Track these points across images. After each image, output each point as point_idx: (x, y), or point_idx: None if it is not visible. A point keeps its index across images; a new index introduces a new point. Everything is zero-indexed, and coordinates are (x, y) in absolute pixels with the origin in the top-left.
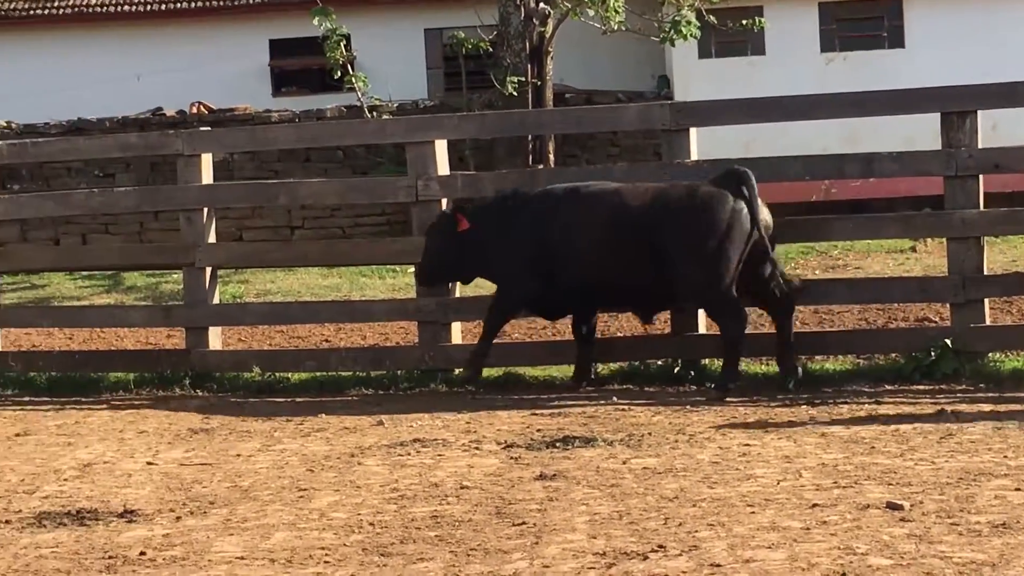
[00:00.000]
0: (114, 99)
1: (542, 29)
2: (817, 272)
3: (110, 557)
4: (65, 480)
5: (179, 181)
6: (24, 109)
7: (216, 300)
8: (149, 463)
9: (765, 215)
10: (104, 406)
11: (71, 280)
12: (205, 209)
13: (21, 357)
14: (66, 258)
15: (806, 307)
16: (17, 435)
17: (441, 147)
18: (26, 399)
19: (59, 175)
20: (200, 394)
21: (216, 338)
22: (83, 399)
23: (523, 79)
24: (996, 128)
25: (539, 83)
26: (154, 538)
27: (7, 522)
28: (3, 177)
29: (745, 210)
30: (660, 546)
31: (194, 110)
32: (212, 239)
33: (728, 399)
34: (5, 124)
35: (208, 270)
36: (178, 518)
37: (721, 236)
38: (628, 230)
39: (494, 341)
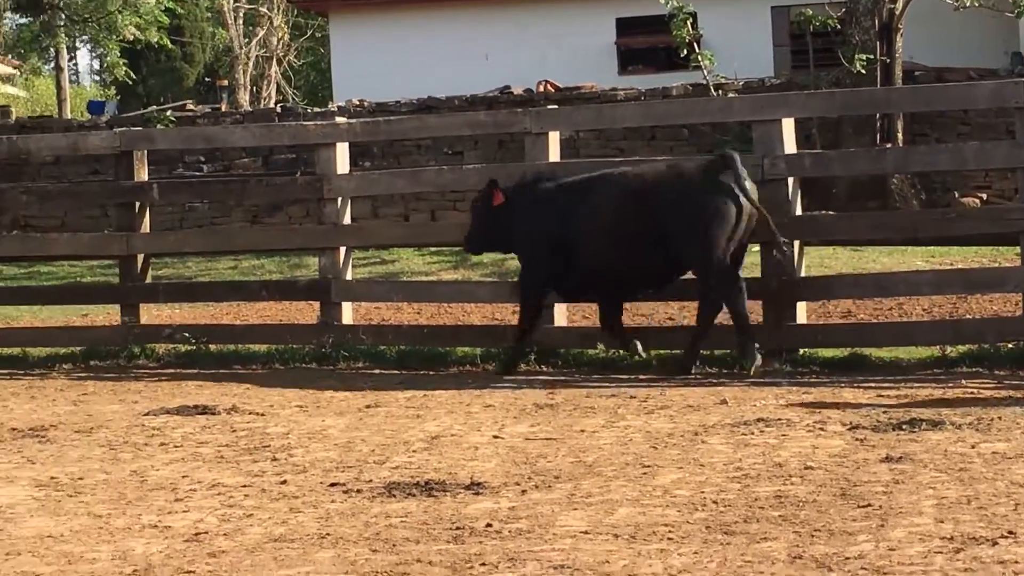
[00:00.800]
0: (463, 78)
1: (892, 6)
2: None
3: (457, 528)
4: (414, 452)
5: (526, 158)
6: (376, 88)
7: None
8: (495, 437)
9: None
10: (451, 380)
11: (419, 256)
12: None
13: (371, 331)
14: (415, 234)
15: None
16: (368, 407)
17: (788, 125)
18: (376, 372)
19: (409, 152)
20: (544, 369)
21: (561, 315)
22: (431, 372)
23: (871, 57)
24: None
25: (888, 61)
26: (500, 510)
27: (358, 491)
28: (355, 155)
29: (733, 191)
30: (1010, 532)
31: (541, 89)
32: None
33: None
34: (358, 103)
35: None
36: (523, 491)
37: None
38: (631, 213)
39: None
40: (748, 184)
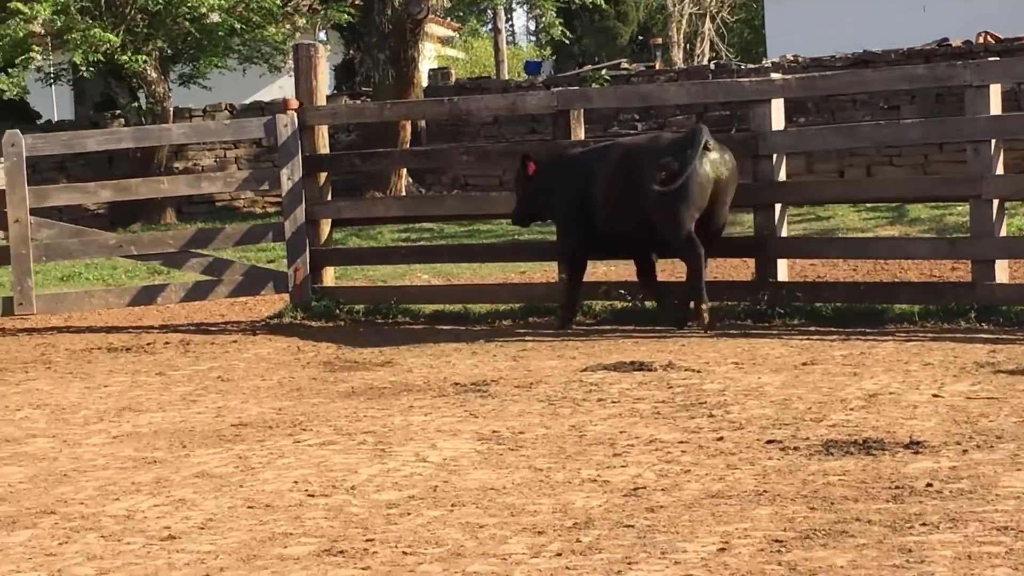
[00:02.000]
0: (899, 31)
1: None
2: None
3: (896, 487)
4: (851, 410)
5: (967, 112)
6: (810, 44)
7: (1003, 233)
8: (934, 395)
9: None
10: (889, 338)
11: (855, 212)
12: (993, 141)
13: (807, 288)
14: (851, 190)
15: None
16: (804, 364)
17: None
18: (811, 329)
19: (843, 108)
20: (986, 328)
21: (1003, 271)
22: (868, 330)
23: None
24: None
25: None
26: (940, 470)
27: (795, 449)
28: (789, 110)
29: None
30: None
31: (980, 40)
32: (1000, 171)
33: None
34: (792, 58)
35: (995, 202)
36: (964, 451)
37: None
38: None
39: None
40: (714, 155)
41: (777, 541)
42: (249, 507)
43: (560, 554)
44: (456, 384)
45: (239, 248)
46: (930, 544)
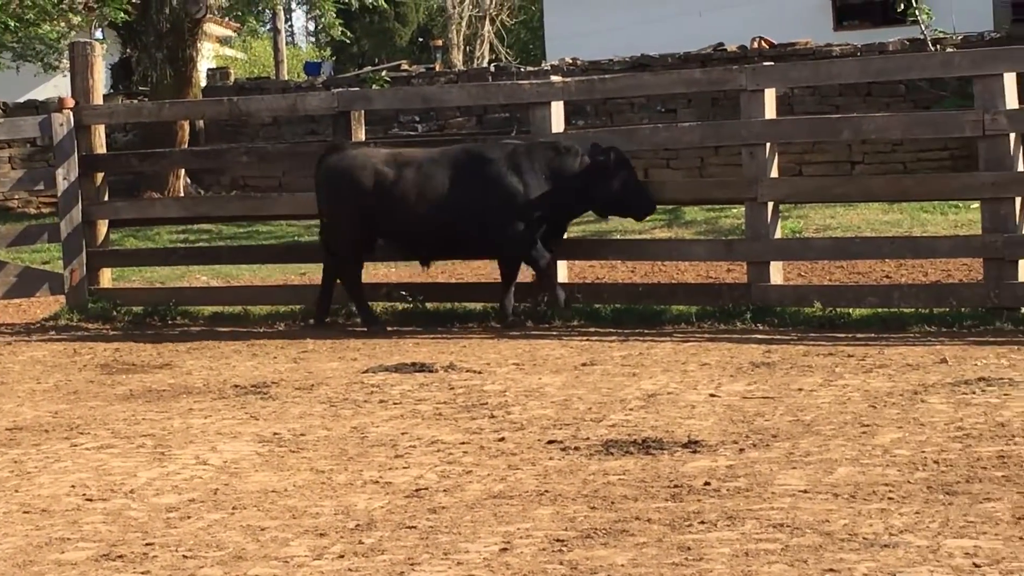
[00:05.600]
0: (677, 35)
1: None
2: None
3: (675, 486)
4: (630, 410)
5: (742, 116)
6: (589, 47)
7: (778, 235)
8: (712, 395)
9: None
10: (667, 338)
11: None
12: (767, 144)
13: (586, 289)
14: None
15: None
16: (584, 365)
17: (1010, 80)
18: (591, 330)
19: (622, 111)
20: (761, 328)
21: (778, 272)
22: (646, 331)
23: None
24: None
25: None
26: (718, 469)
27: (576, 449)
28: (568, 113)
29: None
30: None
31: (755, 45)
32: (774, 174)
33: None
34: (571, 61)
35: (770, 205)
36: (741, 450)
37: None
38: None
39: None
40: None
41: (558, 541)
42: (25, 512)
43: (343, 556)
44: (236, 386)
45: (13, 249)
46: (708, 542)
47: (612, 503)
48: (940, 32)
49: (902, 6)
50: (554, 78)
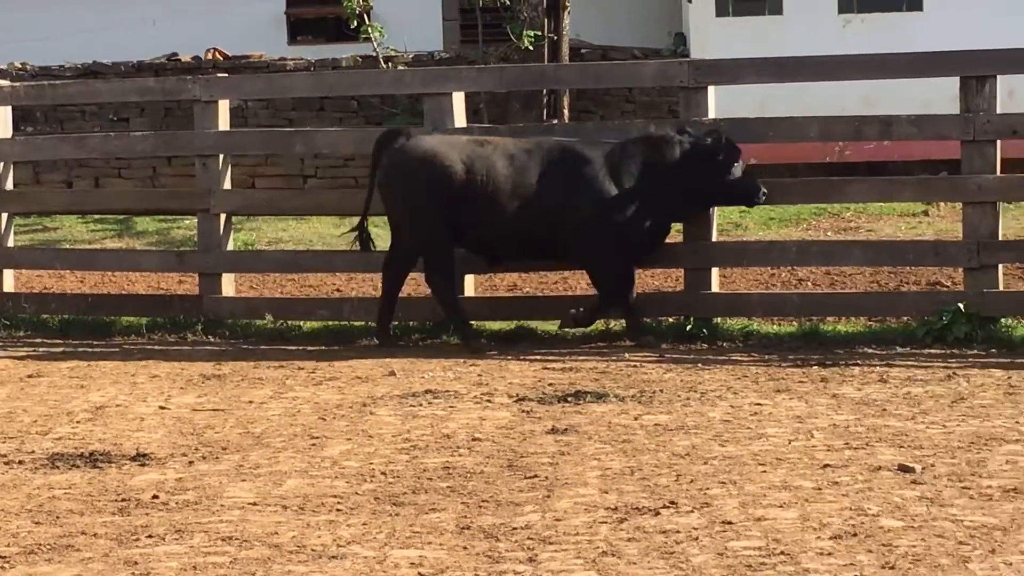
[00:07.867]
0: (130, 44)
1: None
2: (829, 234)
3: (123, 500)
4: (78, 423)
5: (196, 127)
6: (40, 51)
7: (230, 247)
8: (161, 407)
9: None
10: (116, 350)
11: (83, 223)
12: (221, 155)
13: (34, 299)
14: (80, 201)
15: (818, 268)
16: (30, 376)
17: (459, 99)
18: (38, 341)
19: (73, 118)
20: (212, 340)
21: (229, 285)
22: (95, 342)
23: (539, 33)
24: (1012, 95)
25: (555, 38)
26: (167, 482)
27: (20, 463)
28: (16, 119)
29: None
30: (672, 502)
31: (209, 56)
32: (227, 185)
33: (736, 357)
34: (20, 66)
35: (223, 216)
36: (190, 463)
37: None
38: None
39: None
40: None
41: (1, 557)
42: None
43: None
44: None
45: None
46: (156, 556)
47: (57, 518)
48: (392, 50)
49: (355, 23)
50: (2, 82)
